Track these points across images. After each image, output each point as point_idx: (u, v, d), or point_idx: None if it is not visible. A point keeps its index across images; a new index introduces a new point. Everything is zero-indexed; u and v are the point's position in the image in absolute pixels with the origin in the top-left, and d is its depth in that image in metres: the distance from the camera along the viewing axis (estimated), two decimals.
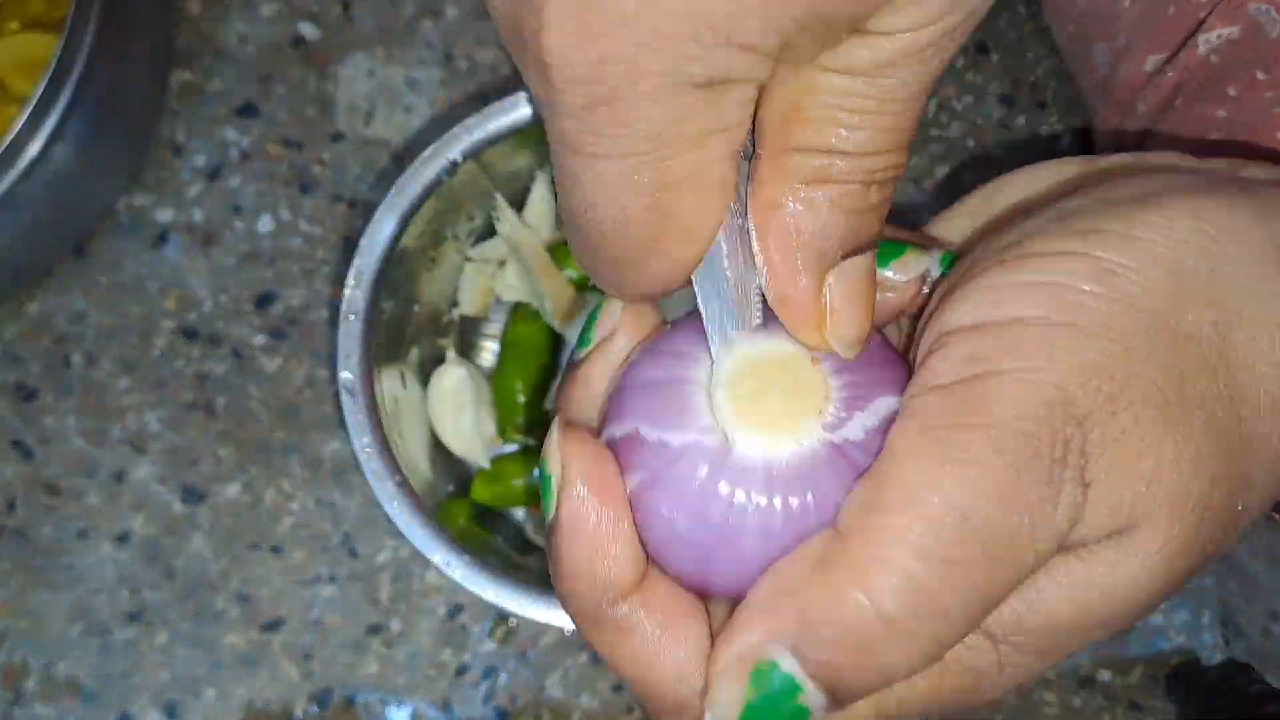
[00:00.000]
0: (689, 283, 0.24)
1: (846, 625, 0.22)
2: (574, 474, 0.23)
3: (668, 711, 0.24)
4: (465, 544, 0.46)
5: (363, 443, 0.46)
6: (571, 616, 0.24)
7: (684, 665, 0.24)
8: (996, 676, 0.25)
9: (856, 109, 0.22)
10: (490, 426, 0.53)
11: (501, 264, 0.54)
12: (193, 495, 0.55)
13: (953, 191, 0.56)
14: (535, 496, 0.52)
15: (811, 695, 0.22)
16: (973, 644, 0.25)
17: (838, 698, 0.22)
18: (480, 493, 0.52)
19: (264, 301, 0.56)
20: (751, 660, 0.22)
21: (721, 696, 0.22)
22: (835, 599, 0.22)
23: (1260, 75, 0.37)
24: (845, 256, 0.23)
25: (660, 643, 0.24)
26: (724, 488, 0.23)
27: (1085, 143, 0.57)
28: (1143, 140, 0.41)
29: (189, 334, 0.56)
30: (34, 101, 0.45)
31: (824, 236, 0.23)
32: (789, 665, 0.22)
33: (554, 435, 0.24)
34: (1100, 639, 0.25)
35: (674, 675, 0.24)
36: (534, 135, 0.48)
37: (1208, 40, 0.37)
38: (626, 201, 0.22)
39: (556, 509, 0.23)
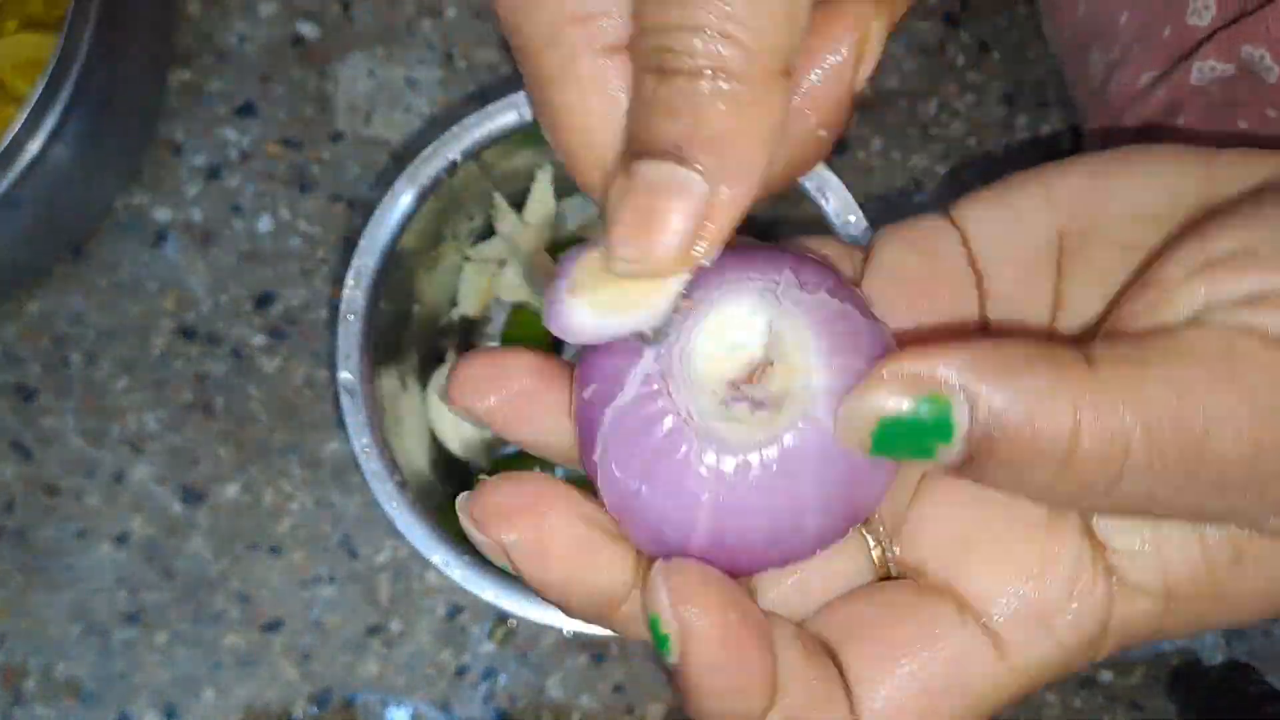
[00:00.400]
0: None
1: (1050, 433, 0.19)
2: (694, 628, 0.21)
3: None
4: (465, 544, 0.46)
5: (362, 443, 0.46)
6: None
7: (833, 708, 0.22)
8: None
9: None
10: None
11: (501, 264, 0.54)
12: (192, 495, 0.55)
13: (954, 190, 0.56)
14: None
15: (956, 445, 0.19)
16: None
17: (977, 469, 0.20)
18: None
19: (263, 301, 0.56)
20: (929, 387, 0.19)
21: (880, 393, 0.19)
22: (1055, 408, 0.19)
23: (1271, 113, 0.37)
24: (635, 154, 0.20)
25: (816, 705, 0.22)
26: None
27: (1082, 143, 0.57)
28: (1138, 138, 0.41)
29: (188, 334, 0.56)
30: (33, 101, 0.45)
31: (604, 118, 0.20)
32: (960, 414, 0.19)
33: (662, 596, 0.21)
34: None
35: None
36: (534, 135, 0.48)
37: (1201, 69, 0.37)
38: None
39: (683, 662, 0.21)
